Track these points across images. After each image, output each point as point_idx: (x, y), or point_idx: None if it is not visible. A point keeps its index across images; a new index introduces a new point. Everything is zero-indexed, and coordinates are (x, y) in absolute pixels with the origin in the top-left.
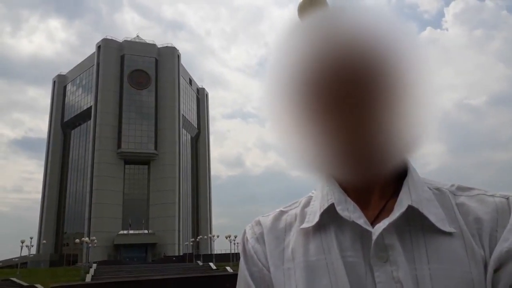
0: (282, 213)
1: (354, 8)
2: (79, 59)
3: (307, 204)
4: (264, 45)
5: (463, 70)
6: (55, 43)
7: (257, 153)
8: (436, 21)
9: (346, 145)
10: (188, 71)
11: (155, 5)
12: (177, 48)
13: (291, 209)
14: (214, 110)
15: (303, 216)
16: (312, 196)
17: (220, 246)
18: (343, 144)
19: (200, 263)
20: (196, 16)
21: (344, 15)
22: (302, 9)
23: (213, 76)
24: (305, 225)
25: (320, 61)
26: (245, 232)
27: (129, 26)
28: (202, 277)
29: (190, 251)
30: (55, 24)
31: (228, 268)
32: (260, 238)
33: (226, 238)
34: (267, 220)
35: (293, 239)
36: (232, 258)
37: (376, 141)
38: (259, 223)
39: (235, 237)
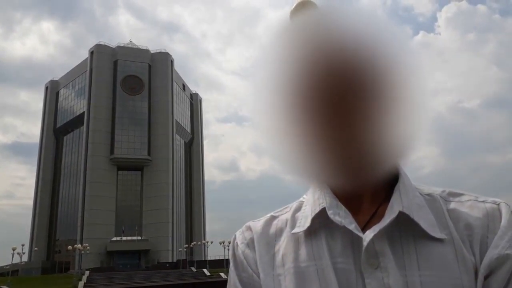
0: (273, 218)
1: (344, 11)
2: (73, 61)
3: (298, 209)
4: (261, 47)
5: (456, 74)
6: (48, 45)
7: (251, 157)
8: (429, 25)
9: (337, 150)
10: (183, 73)
11: (150, 7)
12: (172, 50)
13: (282, 214)
14: (209, 114)
15: (294, 221)
16: (303, 201)
17: (214, 252)
18: (333, 149)
19: (194, 269)
20: (191, 18)
21: (334, 17)
22: (294, 14)
23: (208, 79)
24: (296, 230)
25: (309, 64)
26: (235, 238)
27: (124, 28)
28: (196, 284)
29: (184, 257)
30: (48, 26)
31: (222, 274)
32: (250, 244)
33: (220, 244)
34: (257, 225)
35: (283, 244)
36: (226, 264)
37: (367, 146)
38: (249, 228)
39: (229, 243)
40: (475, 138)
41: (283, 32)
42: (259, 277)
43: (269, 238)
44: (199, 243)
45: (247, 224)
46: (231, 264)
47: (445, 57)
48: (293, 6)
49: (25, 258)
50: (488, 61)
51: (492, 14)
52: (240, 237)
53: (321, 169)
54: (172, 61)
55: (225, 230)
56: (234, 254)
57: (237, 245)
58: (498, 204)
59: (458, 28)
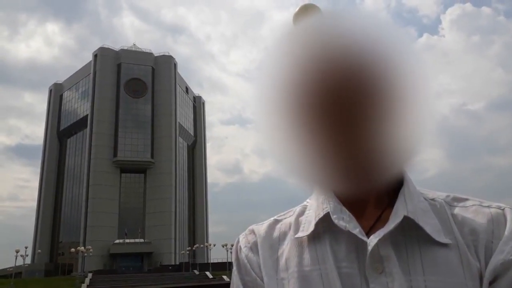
0: (276, 221)
1: (347, 14)
2: (77, 63)
3: (301, 213)
4: (264, 50)
5: (461, 76)
6: (53, 47)
7: (255, 159)
8: (434, 27)
9: (341, 154)
10: (187, 75)
11: (155, 9)
12: (176, 52)
13: (285, 218)
14: (212, 116)
15: (297, 225)
16: (306, 205)
17: (217, 255)
18: (337, 154)
19: (196, 272)
20: (196, 20)
21: (337, 21)
22: (297, 18)
23: (212, 80)
24: (300, 234)
25: (313, 68)
26: (238, 241)
27: (128, 30)
28: (199, 286)
29: (187, 260)
30: (53, 28)
31: (224, 277)
32: (253, 247)
33: (223, 246)
34: (261, 228)
35: (287, 248)
36: (228, 267)
37: (372, 151)
38: (252, 232)
39: (232, 245)
40: (480, 141)
41: (287, 36)
42: (262, 280)
43: (273, 242)
44: (201, 245)
45: (250, 227)
46: (234, 268)
47: (449, 59)
48: (296, 10)
49: (28, 260)
50: (493, 63)
51: (497, 15)
52: (243, 240)
53: (325, 174)
54: (175, 64)
55: (228, 233)
56: (237, 258)
57: (240, 248)
58: (503, 210)
59: (462, 30)
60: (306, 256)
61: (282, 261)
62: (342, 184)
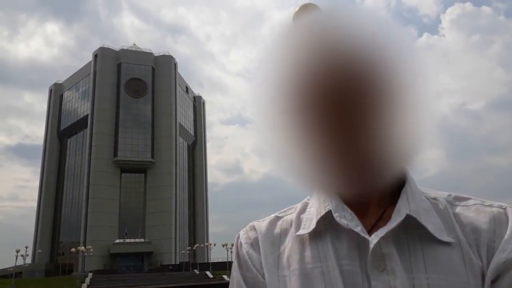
0: (277, 218)
1: (347, 12)
2: (77, 63)
3: (303, 210)
4: (264, 49)
5: (461, 76)
6: (53, 47)
7: (255, 159)
8: (434, 27)
9: (342, 156)
10: (187, 75)
11: (154, 9)
12: (176, 52)
13: (286, 215)
14: (212, 116)
15: (298, 222)
16: (308, 203)
17: (217, 255)
18: (338, 155)
19: (197, 271)
20: (196, 19)
21: (337, 19)
22: (297, 18)
23: (212, 80)
24: (301, 231)
25: (312, 67)
26: (238, 237)
27: (128, 30)
28: (199, 286)
29: (187, 260)
30: (53, 28)
31: (225, 277)
32: (255, 244)
33: (223, 246)
34: (262, 225)
35: (288, 245)
36: (229, 267)
37: (373, 152)
38: (253, 228)
39: (232, 245)
40: (480, 140)
41: (286, 34)
42: (263, 277)
43: (274, 239)
44: (202, 245)
45: (251, 223)
46: (235, 264)
47: (449, 59)
48: (296, 9)
49: (28, 260)
50: (493, 62)
51: (497, 15)
52: (244, 236)
53: (326, 175)
54: (175, 64)
55: (228, 233)
56: (238, 254)
57: (241, 244)
58: (505, 209)
59: (462, 30)
60: (308, 253)
61: (284, 258)
62: (343, 184)
